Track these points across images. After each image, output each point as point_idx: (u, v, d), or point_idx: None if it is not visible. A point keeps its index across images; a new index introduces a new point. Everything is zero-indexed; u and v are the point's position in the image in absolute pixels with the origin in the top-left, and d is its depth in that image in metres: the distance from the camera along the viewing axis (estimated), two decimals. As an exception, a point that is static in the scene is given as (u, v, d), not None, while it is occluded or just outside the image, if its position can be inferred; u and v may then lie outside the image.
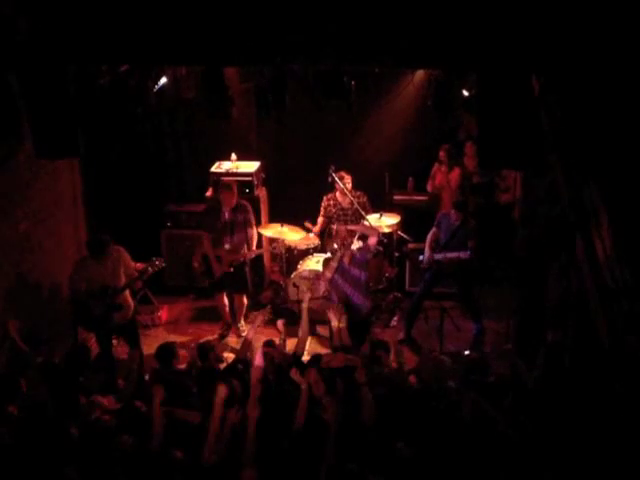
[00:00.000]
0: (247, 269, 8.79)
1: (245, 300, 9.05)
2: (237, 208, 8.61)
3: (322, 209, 9.45)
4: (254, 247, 8.83)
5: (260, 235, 9.25)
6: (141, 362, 7.51)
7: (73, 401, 5.84)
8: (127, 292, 7.55)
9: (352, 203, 9.17)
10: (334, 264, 7.84)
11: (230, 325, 9.09)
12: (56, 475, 5.01)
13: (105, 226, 8.86)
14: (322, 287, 8.41)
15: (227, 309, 9.05)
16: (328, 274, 7.88)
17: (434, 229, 8.67)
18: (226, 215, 8.57)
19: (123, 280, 7.43)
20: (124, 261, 7.47)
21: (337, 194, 9.34)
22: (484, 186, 9.97)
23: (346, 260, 7.78)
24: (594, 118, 5.64)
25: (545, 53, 6.01)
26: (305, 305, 6.97)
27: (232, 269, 8.66)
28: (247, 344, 6.69)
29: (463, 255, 8.22)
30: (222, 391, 5.39)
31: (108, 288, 7.27)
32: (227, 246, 8.65)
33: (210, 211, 8.80)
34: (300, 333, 6.82)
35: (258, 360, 6.02)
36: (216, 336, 8.92)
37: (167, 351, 6.51)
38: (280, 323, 7.13)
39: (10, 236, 7.21)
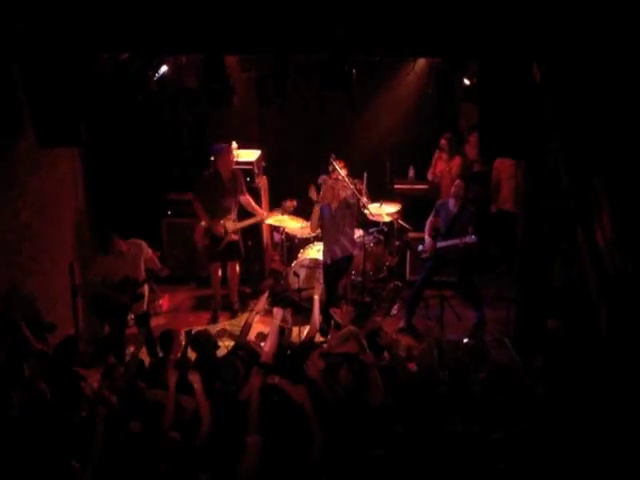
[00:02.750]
0: (239, 236, 9.01)
1: (238, 268, 9.16)
2: (231, 182, 8.82)
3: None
4: (257, 208, 9.12)
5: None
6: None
7: (74, 390, 5.87)
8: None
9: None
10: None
11: (217, 310, 9.19)
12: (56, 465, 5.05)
13: (106, 214, 8.94)
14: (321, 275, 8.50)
15: (219, 281, 9.19)
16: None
17: (432, 217, 8.70)
18: (226, 191, 8.78)
19: (143, 273, 7.74)
20: (144, 254, 7.77)
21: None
22: (485, 175, 9.97)
23: (334, 206, 8.26)
24: (595, 106, 5.64)
25: (546, 41, 6.00)
26: (317, 297, 6.98)
27: (237, 237, 8.92)
28: (247, 328, 6.70)
29: (469, 240, 8.24)
30: (195, 377, 5.50)
31: (129, 280, 7.54)
32: (233, 215, 8.84)
33: (208, 180, 8.84)
34: (311, 323, 6.86)
35: (270, 345, 6.10)
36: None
37: (168, 338, 6.56)
38: (288, 313, 7.13)
39: (11, 224, 7.20)
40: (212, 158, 8.91)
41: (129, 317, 8.12)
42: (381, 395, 5.59)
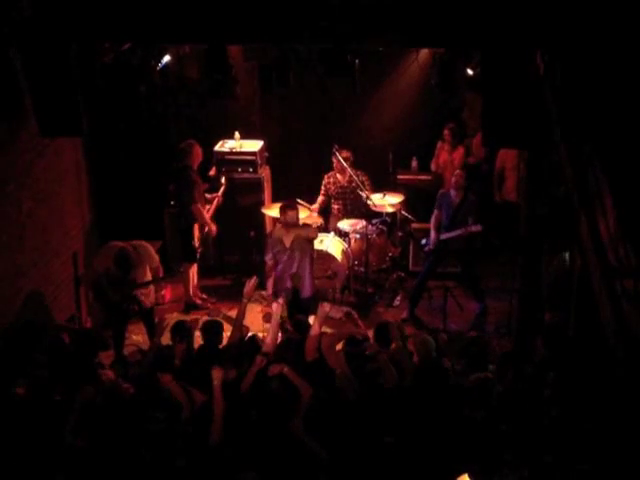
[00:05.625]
0: None
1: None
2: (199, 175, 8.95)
3: (322, 187, 9.48)
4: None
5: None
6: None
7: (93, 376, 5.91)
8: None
9: (350, 181, 9.21)
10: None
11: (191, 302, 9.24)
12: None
13: (109, 204, 8.95)
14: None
15: None
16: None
17: (436, 211, 8.69)
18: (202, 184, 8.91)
19: (147, 275, 7.62)
20: (146, 258, 7.64)
21: (336, 173, 9.37)
22: (489, 173, 9.92)
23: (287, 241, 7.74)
24: (599, 97, 5.61)
25: (550, 31, 5.98)
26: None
27: None
28: (241, 316, 6.67)
29: (475, 229, 8.23)
30: (218, 373, 5.43)
31: (128, 280, 7.40)
32: (207, 206, 9.00)
33: (197, 182, 8.84)
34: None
35: (271, 339, 6.08)
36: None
37: (182, 329, 6.54)
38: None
39: (14, 214, 7.21)
40: (186, 158, 8.82)
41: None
42: (394, 378, 5.63)
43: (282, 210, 7.77)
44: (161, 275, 7.94)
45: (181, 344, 6.42)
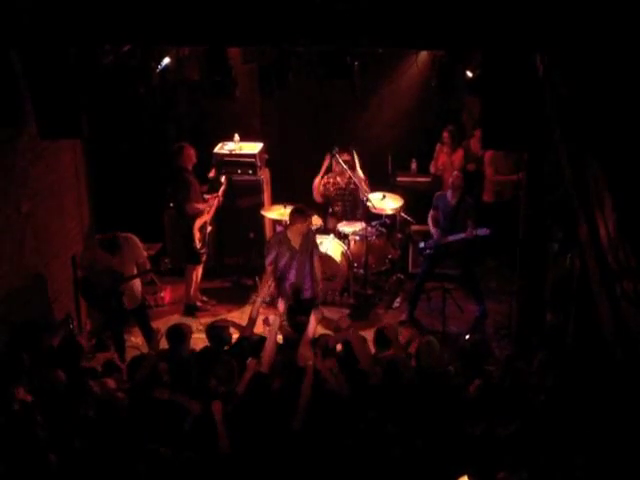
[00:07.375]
0: None
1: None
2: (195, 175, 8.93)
3: (322, 186, 9.45)
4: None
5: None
6: None
7: (82, 384, 5.86)
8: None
9: (349, 183, 9.21)
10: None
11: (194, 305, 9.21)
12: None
13: (108, 206, 8.94)
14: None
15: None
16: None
17: (432, 211, 8.69)
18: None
19: (133, 268, 7.55)
20: (134, 250, 7.58)
21: (336, 175, 9.37)
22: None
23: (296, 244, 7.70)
24: (598, 98, 5.62)
25: (549, 32, 5.97)
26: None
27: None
28: (252, 323, 6.68)
29: (481, 233, 8.23)
30: (218, 407, 5.38)
31: (115, 272, 7.36)
32: (207, 207, 8.97)
33: (193, 182, 8.84)
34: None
35: (268, 354, 6.06)
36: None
37: (177, 333, 6.43)
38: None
39: (13, 216, 7.21)
40: (179, 160, 8.77)
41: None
42: (413, 378, 5.66)
43: (299, 216, 7.60)
44: (148, 268, 7.89)
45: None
